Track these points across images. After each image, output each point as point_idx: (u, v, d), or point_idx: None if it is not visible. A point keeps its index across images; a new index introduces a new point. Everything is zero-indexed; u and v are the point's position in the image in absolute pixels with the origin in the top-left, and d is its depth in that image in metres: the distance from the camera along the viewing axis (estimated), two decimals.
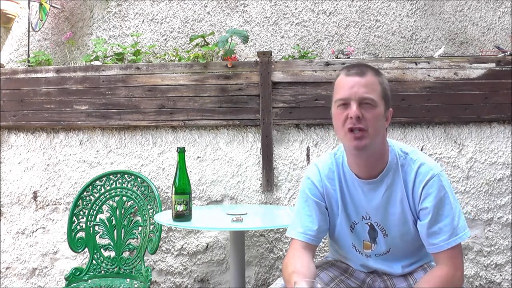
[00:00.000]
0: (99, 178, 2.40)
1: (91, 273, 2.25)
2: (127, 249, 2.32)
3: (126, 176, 2.39)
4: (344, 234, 1.45)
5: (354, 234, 1.44)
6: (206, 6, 2.65)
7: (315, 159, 1.53)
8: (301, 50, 2.54)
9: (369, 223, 1.41)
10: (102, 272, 2.27)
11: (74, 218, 2.31)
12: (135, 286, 2.11)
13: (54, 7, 2.67)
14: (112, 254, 2.31)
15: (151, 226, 2.23)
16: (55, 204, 2.61)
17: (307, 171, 1.51)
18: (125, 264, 2.27)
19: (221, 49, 2.49)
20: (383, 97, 1.29)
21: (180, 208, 1.82)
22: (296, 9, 2.60)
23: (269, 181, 2.45)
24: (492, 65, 2.34)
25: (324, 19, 2.59)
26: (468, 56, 2.45)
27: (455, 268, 1.30)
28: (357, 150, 1.30)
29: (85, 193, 2.37)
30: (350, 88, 1.27)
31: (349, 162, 1.41)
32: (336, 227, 1.46)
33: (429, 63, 2.37)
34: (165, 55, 2.62)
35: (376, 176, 1.37)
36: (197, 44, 2.54)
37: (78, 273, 2.22)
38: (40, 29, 2.64)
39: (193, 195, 2.39)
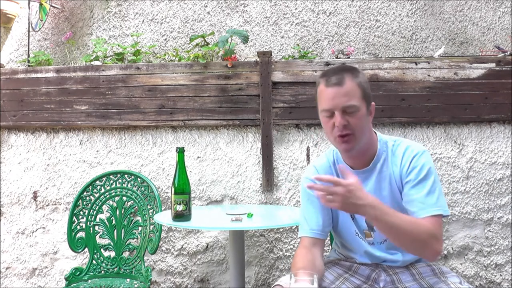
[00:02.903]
0: (99, 178, 2.40)
1: (91, 273, 2.24)
2: (127, 249, 2.32)
3: (126, 176, 2.39)
4: (347, 223, 1.50)
5: (355, 222, 1.49)
6: (206, 6, 2.65)
7: (312, 161, 1.58)
8: (301, 50, 2.54)
9: None
10: (102, 272, 2.27)
11: (74, 218, 2.31)
12: (135, 286, 2.11)
13: (54, 7, 2.67)
14: (112, 254, 2.31)
15: (151, 226, 2.23)
16: (55, 204, 2.61)
17: (305, 172, 1.57)
18: (125, 264, 2.27)
19: (221, 49, 2.49)
20: (363, 97, 1.36)
21: (180, 208, 1.82)
22: (296, 9, 2.60)
23: (269, 181, 2.45)
24: (492, 65, 2.34)
25: (324, 19, 2.59)
26: (468, 56, 2.45)
27: (436, 232, 1.29)
28: (346, 152, 1.42)
29: (85, 193, 2.37)
30: (331, 99, 1.34)
31: (342, 156, 1.50)
32: (339, 218, 1.51)
33: (429, 63, 2.37)
34: (165, 55, 2.62)
35: (368, 164, 1.44)
36: (197, 44, 2.54)
37: (78, 273, 2.22)
38: (40, 29, 2.64)
39: (193, 195, 2.38)
